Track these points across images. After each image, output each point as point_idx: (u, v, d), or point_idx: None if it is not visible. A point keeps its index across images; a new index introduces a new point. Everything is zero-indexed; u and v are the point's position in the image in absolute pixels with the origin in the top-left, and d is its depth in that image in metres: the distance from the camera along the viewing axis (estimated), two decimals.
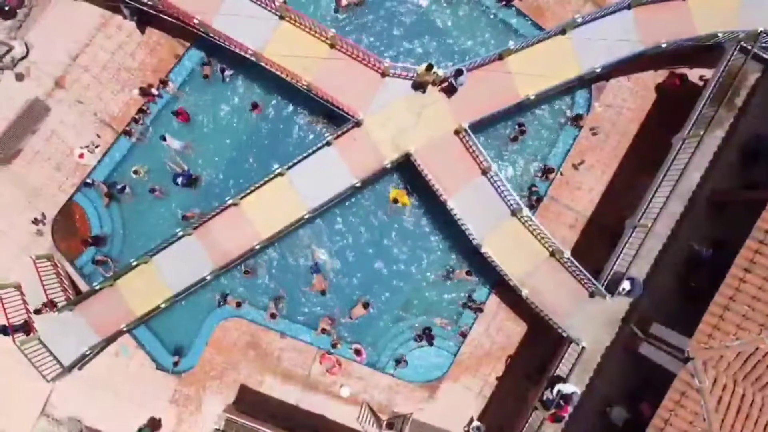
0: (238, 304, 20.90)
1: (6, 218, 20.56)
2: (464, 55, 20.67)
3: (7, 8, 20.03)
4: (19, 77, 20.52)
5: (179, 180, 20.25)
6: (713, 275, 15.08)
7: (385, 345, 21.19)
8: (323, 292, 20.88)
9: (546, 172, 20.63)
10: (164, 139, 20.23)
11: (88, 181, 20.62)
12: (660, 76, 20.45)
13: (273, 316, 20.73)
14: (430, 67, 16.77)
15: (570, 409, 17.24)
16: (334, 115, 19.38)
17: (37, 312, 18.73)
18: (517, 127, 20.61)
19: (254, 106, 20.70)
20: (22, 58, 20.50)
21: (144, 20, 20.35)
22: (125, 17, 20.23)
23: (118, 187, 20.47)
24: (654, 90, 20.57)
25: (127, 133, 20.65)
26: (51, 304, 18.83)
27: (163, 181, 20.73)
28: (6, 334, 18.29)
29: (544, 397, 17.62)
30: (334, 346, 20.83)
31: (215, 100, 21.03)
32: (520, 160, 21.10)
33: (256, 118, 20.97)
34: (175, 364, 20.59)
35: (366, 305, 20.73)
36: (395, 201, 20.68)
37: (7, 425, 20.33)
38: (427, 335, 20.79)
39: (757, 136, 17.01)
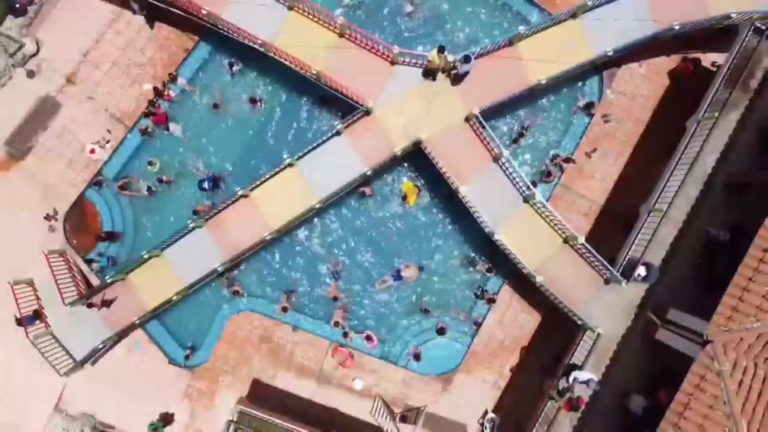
0: (236, 293, 20.81)
1: (20, 214, 20.58)
2: (472, 43, 20.48)
3: (17, 6, 20.11)
4: (30, 74, 20.63)
5: (205, 185, 20.41)
6: (731, 259, 14.80)
7: (399, 337, 21.04)
8: (335, 299, 20.81)
9: (563, 161, 20.43)
10: (167, 128, 20.50)
11: (100, 178, 20.78)
12: (673, 61, 20.19)
13: (285, 309, 20.67)
14: (442, 50, 16.56)
15: (586, 399, 17.01)
16: (343, 105, 19.28)
17: (91, 306, 18.84)
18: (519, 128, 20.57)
19: (252, 101, 20.81)
20: (33, 55, 20.61)
21: (153, 15, 20.40)
22: (135, 12, 20.31)
23: (145, 189, 20.74)
24: (667, 76, 20.32)
25: (141, 130, 20.73)
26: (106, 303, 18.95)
27: (172, 173, 20.97)
28: (20, 325, 18.39)
29: (560, 386, 17.39)
30: (344, 335, 20.70)
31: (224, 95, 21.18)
32: (534, 150, 20.94)
33: (255, 112, 21.03)
34: (187, 357, 20.61)
35: (421, 268, 20.70)
36: (404, 198, 20.65)
37: (21, 421, 20.33)
38: (439, 329, 20.70)
39: None
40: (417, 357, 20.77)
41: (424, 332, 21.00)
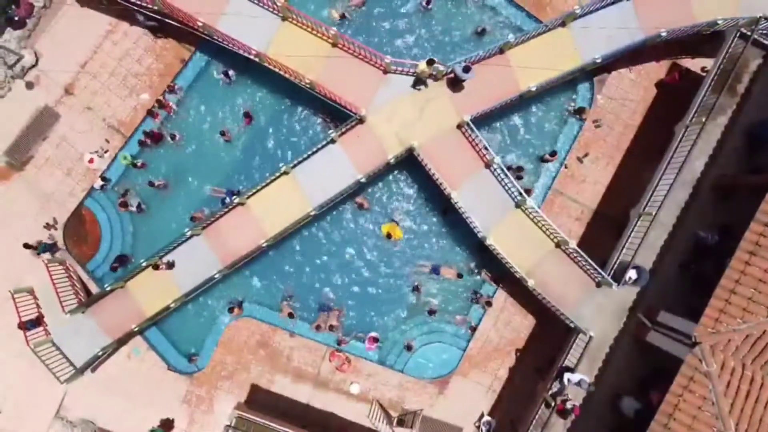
0: (231, 310, 20.84)
1: (20, 224, 20.82)
2: (463, 51, 20.76)
3: (16, 18, 20.44)
4: (29, 85, 20.92)
5: (227, 200, 20.41)
6: (720, 261, 15.03)
7: (396, 341, 21.23)
8: (318, 328, 20.81)
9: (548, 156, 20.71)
10: (174, 137, 20.87)
11: (99, 185, 20.96)
12: (662, 67, 20.49)
13: (291, 315, 20.88)
14: (431, 62, 16.86)
15: (579, 402, 17.23)
16: (337, 114, 19.54)
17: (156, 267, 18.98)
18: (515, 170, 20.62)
19: (247, 113, 20.99)
20: (32, 67, 20.91)
21: (150, 25, 20.56)
22: (139, 22, 20.34)
23: (134, 207, 20.85)
24: (654, 86, 20.66)
25: (139, 141, 20.98)
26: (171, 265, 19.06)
27: (165, 178, 21.20)
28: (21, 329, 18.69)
29: (554, 388, 17.60)
30: (339, 343, 20.93)
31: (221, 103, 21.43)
32: (526, 155, 21.21)
33: (250, 122, 21.17)
34: (190, 360, 21.01)
35: (460, 275, 20.97)
36: (389, 236, 20.93)
37: (22, 427, 20.53)
38: (429, 311, 21.00)
39: (761, 121, 16.97)
40: (409, 348, 20.99)
41: (422, 336, 21.23)
